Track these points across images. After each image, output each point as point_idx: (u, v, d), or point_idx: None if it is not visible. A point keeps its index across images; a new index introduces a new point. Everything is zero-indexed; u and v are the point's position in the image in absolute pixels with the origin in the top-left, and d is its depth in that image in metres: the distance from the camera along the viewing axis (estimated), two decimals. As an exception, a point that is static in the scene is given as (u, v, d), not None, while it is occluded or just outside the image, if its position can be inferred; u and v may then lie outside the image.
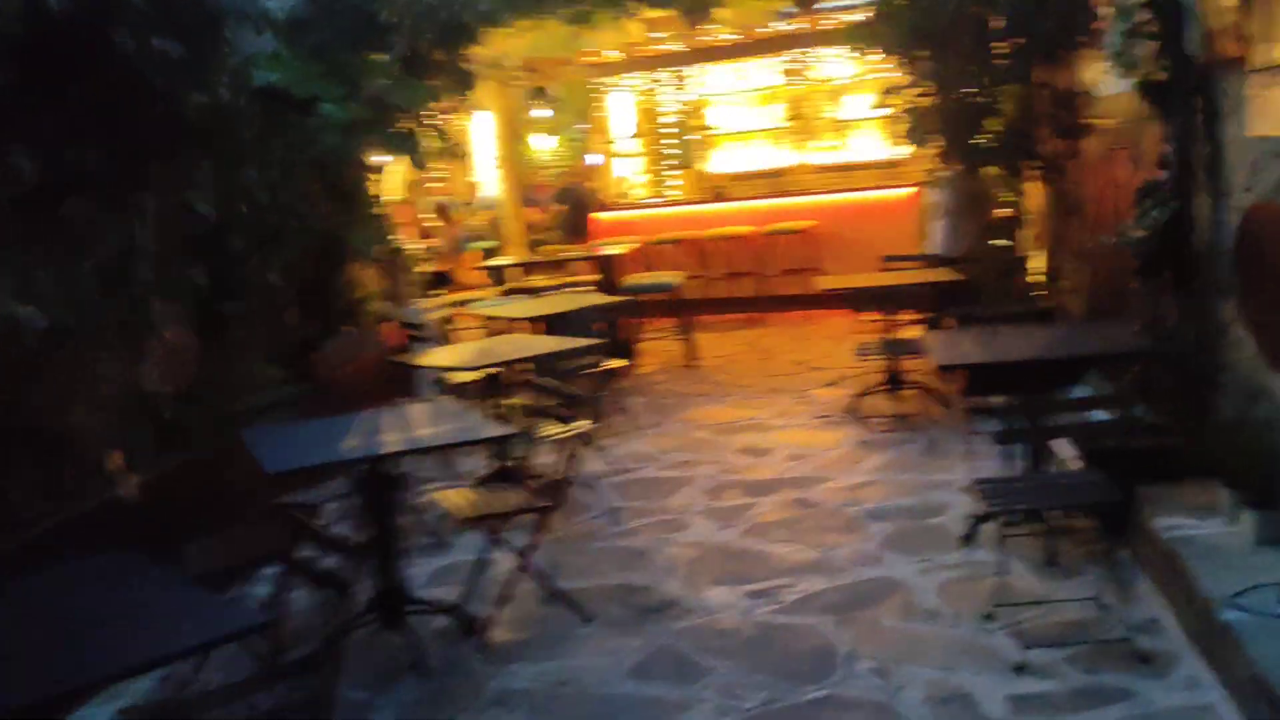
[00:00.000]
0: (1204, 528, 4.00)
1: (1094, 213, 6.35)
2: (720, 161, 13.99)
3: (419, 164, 7.18)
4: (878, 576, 4.69)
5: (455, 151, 8.30)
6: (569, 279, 11.34)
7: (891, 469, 6.16)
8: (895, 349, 7.02)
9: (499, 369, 5.83)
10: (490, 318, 8.02)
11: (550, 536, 5.37)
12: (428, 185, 16.49)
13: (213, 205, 5.31)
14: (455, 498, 4.53)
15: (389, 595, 4.30)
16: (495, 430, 4.12)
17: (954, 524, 5.18)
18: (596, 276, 10.05)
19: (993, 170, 7.58)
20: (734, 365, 9.44)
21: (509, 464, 5.86)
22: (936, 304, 7.09)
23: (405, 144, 6.96)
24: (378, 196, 8.21)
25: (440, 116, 9.91)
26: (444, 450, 4.67)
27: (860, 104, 12.83)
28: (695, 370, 9.36)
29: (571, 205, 12.54)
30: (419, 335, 7.44)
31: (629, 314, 9.53)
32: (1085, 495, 3.86)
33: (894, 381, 7.40)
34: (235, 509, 4.77)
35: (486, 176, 15.96)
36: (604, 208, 13.26)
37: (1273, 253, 3.78)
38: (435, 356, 6.11)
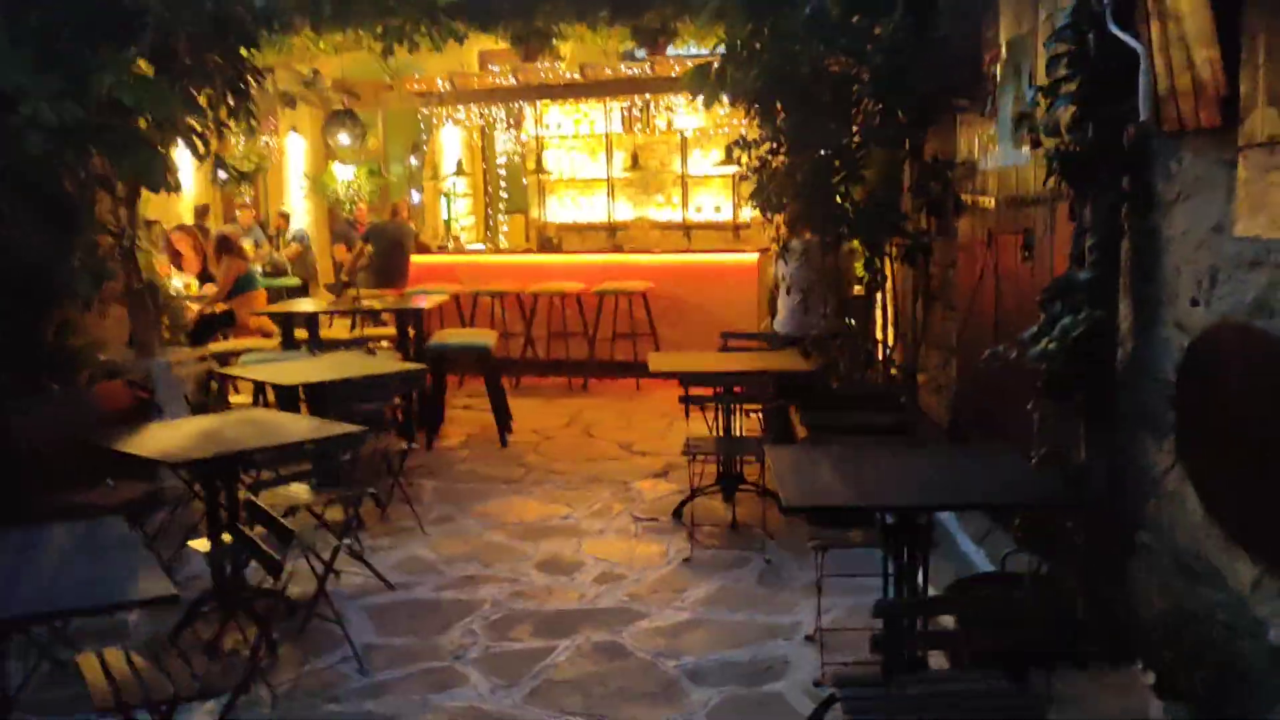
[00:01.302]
0: (1135, 755, 2.97)
1: (967, 303, 5.42)
2: (554, 210, 12.88)
3: (156, 186, 5.72)
4: (697, 786, 3.51)
5: (229, 177, 6.92)
6: (375, 331, 9.95)
7: (721, 602, 5.02)
8: (730, 449, 5.93)
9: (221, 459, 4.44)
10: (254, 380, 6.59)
11: (274, 687, 4.03)
12: (240, 210, 14.88)
13: None
14: (99, 667, 3.13)
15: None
16: (144, 590, 2.76)
17: (796, 694, 4.07)
18: (395, 332, 8.68)
19: (851, 244, 6.64)
20: (551, 443, 8.21)
21: (231, 583, 4.48)
22: (781, 395, 6.05)
23: (142, 159, 5.51)
24: (129, 222, 6.72)
25: (230, 133, 8.50)
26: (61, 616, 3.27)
27: (707, 159, 11.96)
28: (506, 449, 8.08)
29: (382, 246, 11.13)
30: (149, 399, 5.95)
31: (429, 379, 8.23)
32: (990, 712, 2.78)
33: (727, 482, 6.31)
34: None
35: (299, 205, 14.44)
36: (423, 250, 11.91)
37: (1237, 390, 2.81)
38: (141, 438, 4.65)
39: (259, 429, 4.77)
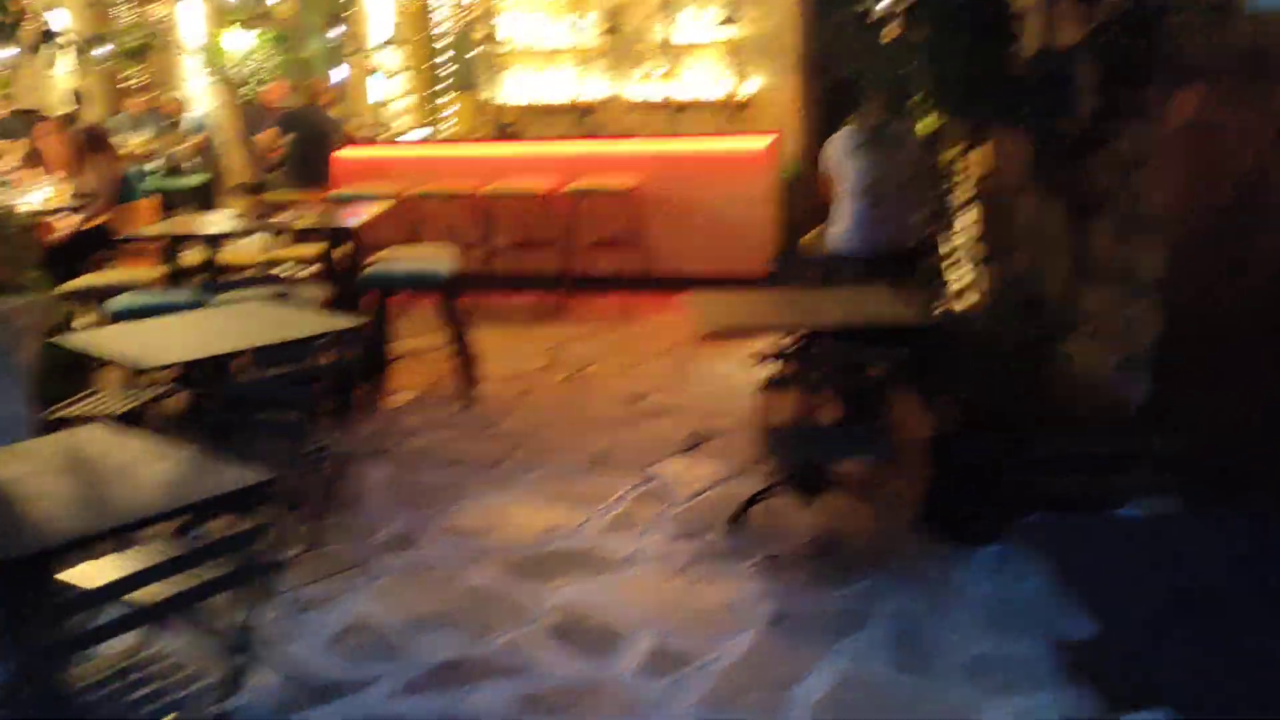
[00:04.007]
0: None
1: (1227, 225, 3.52)
2: (512, 89, 10.66)
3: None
4: None
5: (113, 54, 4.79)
6: (294, 252, 7.77)
7: (857, 709, 3.18)
8: (821, 447, 4.04)
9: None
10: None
11: None
12: (128, 98, 12.40)
13: None
14: None
15: None
16: None
17: None
18: (323, 250, 6.58)
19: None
20: (533, 400, 6.24)
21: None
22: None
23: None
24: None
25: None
26: None
27: (700, 21, 9.83)
28: (473, 408, 6.11)
29: (300, 136, 8.92)
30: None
31: (370, 308, 6.22)
32: None
33: (807, 479, 4.44)
34: None
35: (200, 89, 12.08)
36: (351, 142, 9.69)
37: None
38: None
39: (91, 481, 2.76)
